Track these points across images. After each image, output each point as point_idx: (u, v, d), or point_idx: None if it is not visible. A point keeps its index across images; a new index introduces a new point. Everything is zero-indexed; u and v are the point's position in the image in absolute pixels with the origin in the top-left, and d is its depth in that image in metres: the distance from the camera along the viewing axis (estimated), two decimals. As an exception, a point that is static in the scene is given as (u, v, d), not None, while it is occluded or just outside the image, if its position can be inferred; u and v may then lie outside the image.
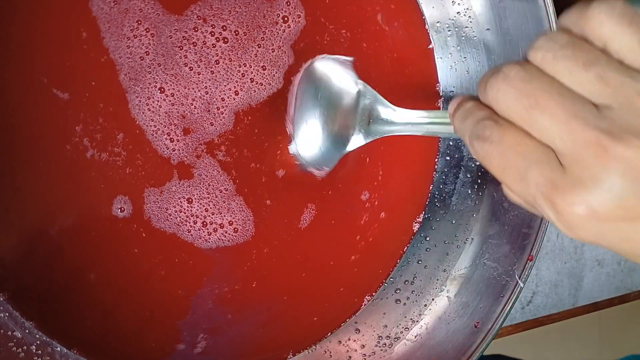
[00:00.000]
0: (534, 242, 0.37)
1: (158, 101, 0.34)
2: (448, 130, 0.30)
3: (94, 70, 0.33)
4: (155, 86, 0.34)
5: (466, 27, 0.40)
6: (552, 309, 0.55)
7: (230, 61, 0.36)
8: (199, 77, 0.35)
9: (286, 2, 0.37)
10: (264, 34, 0.37)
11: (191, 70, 0.35)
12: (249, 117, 0.36)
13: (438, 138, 0.43)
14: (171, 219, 0.35)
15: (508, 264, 0.38)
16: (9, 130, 0.32)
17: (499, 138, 0.23)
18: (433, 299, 0.40)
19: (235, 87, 0.36)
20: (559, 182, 0.21)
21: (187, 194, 0.35)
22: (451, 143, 0.42)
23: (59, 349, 0.34)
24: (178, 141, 0.35)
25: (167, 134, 0.35)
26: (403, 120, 0.33)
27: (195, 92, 0.35)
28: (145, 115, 0.34)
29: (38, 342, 0.33)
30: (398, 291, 0.42)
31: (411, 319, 0.40)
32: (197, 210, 0.36)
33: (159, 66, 0.34)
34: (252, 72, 0.36)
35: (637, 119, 0.21)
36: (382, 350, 0.40)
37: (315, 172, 0.36)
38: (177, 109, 0.35)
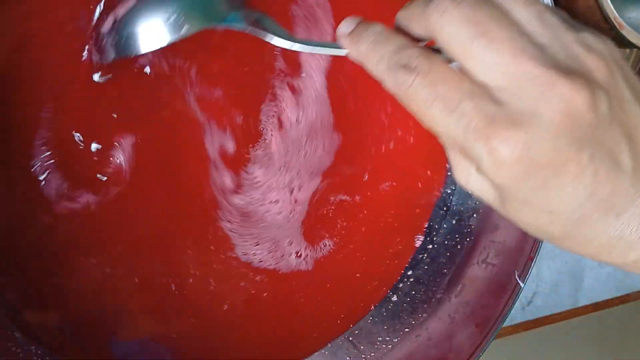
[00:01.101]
0: (534, 242, 0.37)
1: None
2: (334, 52, 0.26)
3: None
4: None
5: None
6: (553, 309, 0.55)
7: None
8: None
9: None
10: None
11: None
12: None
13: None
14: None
15: (508, 264, 0.38)
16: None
17: (429, 67, 0.21)
18: (433, 299, 0.40)
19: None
20: (495, 115, 0.20)
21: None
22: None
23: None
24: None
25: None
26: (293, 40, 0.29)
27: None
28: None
29: (37, 341, 0.33)
30: (398, 291, 0.42)
31: (411, 319, 0.40)
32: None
33: None
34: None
35: (577, 64, 0.20)
36: (382, 350, 0.40)
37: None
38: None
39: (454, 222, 0.42)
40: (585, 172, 0.20)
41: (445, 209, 0.42)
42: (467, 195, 0.42)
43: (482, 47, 0.20)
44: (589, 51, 0.21)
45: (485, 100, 0.20)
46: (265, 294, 0.39)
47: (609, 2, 0.43)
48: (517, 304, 0.52)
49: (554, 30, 0.21)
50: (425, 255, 0.42)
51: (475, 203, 0.41)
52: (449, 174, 0.42)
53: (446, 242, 0.41)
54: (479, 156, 0.20)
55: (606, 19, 0.44)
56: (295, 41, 0.28)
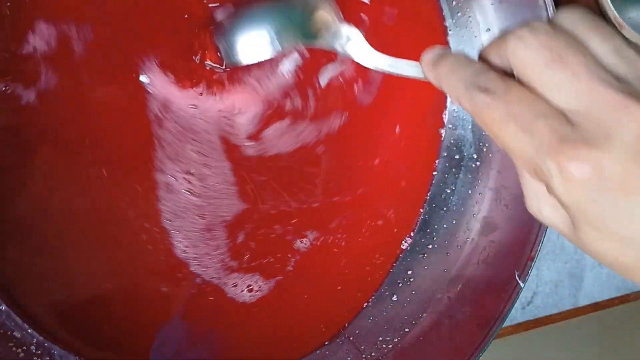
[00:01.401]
0: (534, 242, 0.37)
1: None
2: (414, 74, 0.29)
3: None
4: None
5: (466, 27, 0.40)
6: (553, 309, 0.55)
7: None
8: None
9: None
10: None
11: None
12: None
13: (439, 141, 0.42)
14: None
15: (508, 264, 0.38)
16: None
17: (504, 90, 0.22)
18: (433, 299, 0.40)
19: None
20: (568, 135, 0.20)
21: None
22: (452, 141, 0.42)
23: (57, 350, 0.34)
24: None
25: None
26: (380, 60, 0.32)
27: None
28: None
29: (37, 342, 0.33)
30: (398, 291, 0.42)
31: (411, 319, 0.40)
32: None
33: None
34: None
35: None
36: (382, 350, 0.40)
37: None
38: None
39: (454, 222, 0.42)
40: None
41: (445, 209, 0.42)
42: (467, 196, 0.42)
43: (558, 72, 0.21)
44: None
45: (559, 121, 0.21)
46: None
47: (609, 2, 0.43)
48: (517, 304, 0.52)
49: (630, 63, 0.21)
50: (425, 255, 0.42)
51: (475, 203, 0.41)
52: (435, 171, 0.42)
53: (446, 242, 0.41)
54: (550, 174, 0.21)
55: (606, 19, 0.44)
56: (381, 62, 0.31)
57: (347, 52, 0.32)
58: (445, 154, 0.43)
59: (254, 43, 0.33)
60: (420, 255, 0.42)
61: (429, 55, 0.26)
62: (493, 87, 0.22)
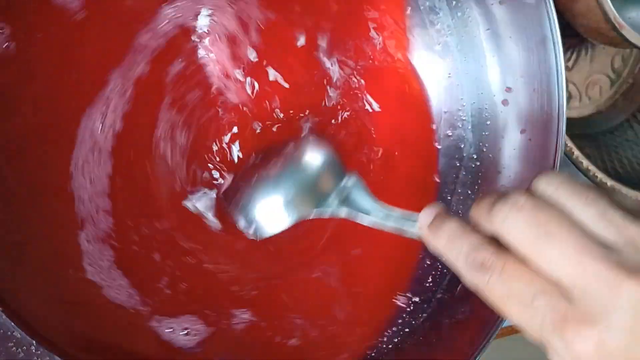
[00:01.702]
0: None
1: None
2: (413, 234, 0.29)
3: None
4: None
5: (466, 27, 0.40)
6: (552, 309, 0.55)
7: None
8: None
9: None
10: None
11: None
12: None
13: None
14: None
15: (508, 264, 0.38)
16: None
17: (502, 266, 0.23)
18: (433, 299, 0.40)
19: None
20: (568, 314, 0.21)
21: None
22: (452, 141, 0.42)
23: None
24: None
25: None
26: (379, 215, 0.32)
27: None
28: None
29: (37, 342, 0.33)
30: (398, 291, 0.42)
31: (411, 319, 0.40)
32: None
33: None
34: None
35: None
36: (382, 350, 0.40)
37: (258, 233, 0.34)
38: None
39: (454, 222, 0.42)
40: None
41: (445, 209, 0.42)
42: (467, 197, 0.42)
43: (547, 249, 0.21)
44: None
45: (556, 297, 0.21)
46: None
47: (609, 2, 0.43)
48: (517, 304, 0.52)
49: (617, 227, 0.21)
50: (425, 254, 0.42)
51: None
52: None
53: (446, 242, 0.41)
54: (557, 351, 0.21)
55: (606, 19, 0.44)
56: (386, 218, 0.31)
57: (349, 216, 0.33)
58: (445, 154, 0.43)
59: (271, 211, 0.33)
60: (420, 255, 0.42)
61: (427, 218, 0.27)
62: (490, 265, 0.23)
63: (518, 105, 0.39)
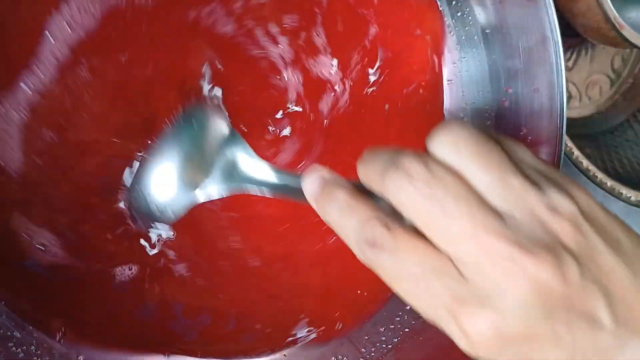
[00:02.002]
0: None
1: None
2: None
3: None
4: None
5: (466, 27, 0.40)
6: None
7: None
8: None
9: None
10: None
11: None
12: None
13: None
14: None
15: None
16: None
17: (393, 244, 0.20)
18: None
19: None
20: (463, 295, 0.19)
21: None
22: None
23: (57, 349, 0.34)
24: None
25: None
26: (262, 177, 0.29)
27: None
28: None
29: (37, 342, 0.33)
30: (398, 291, 0.42)
31: (411, 319, 0.40)
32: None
33: None
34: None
35: (543, 232, 0.19)
36: (382, 350, 0.40)
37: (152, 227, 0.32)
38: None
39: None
40: (563, 340, 0.19)
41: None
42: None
43: (442, 223, 0.20)
44: (554, 214, 0.20)
45: (450, 276, 0.20)
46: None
47: (609, 2, 0.44)
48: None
49: (516, 195, 0.20)
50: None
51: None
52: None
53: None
54: (452, 334, 0.20)
55: (606, 19, 0.44)
56: (271, 187, 0.28)
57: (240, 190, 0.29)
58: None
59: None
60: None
61: (312, 187, 0.23)
62: (380, 240, 0.20)
63: (518, 105, 0.39)
